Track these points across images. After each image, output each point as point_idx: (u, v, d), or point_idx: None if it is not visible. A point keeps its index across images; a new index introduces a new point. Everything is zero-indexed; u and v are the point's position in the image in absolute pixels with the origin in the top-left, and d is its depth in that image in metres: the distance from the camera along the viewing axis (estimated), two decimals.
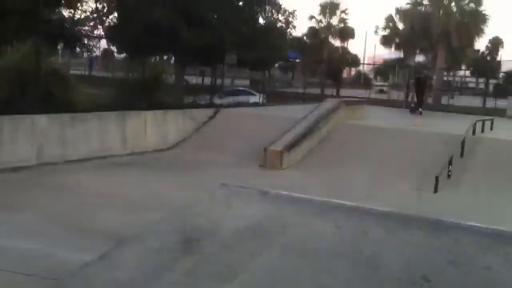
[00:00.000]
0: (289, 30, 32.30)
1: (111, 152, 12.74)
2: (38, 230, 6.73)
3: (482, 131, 14.23)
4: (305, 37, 49.65)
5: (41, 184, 9.48)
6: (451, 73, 47.28)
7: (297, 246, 3.85)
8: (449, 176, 11.47)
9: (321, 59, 44.40)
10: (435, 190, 10.79)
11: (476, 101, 28.82)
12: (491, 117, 16.09)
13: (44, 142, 11.39)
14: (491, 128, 15.06)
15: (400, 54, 44.58)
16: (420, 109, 20.97)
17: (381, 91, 39.72)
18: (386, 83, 40.10)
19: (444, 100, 33.80)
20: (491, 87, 42.93)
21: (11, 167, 10.29)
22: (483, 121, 14.68)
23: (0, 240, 5.76)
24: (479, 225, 4.38)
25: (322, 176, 11.68)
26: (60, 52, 32.73)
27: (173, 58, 29.05)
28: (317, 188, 10.01)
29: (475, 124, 13.76)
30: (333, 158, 13.02)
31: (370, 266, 3.58)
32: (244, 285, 3.27)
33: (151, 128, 14.28)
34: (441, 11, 36.82)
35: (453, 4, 37.00)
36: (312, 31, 49.07)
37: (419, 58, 45.22)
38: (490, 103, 25.69)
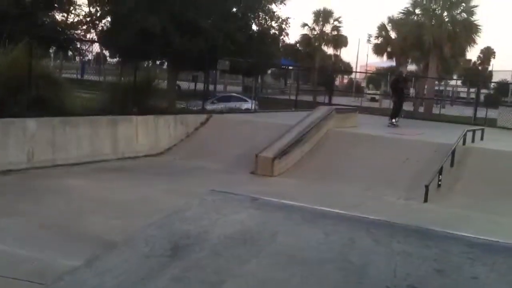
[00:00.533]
0: (282, 37, 32.49)
1: (102, 156, 12.72)
2: (25, 235, 6.69)
3: (473, 141, 14.31)
4: (298, 45, 49.95)
5: (31, 188, 9.45)
6: (443, 83, 47.61)
7: (286, 253, 3.86)
8: (439, 185, 11.51)
9: (314, 66, 44.60)
10: (425, 200, 10.83)
11: (467, 111, 29.00)
12: (482, 127, 16.19)
13: (34, 146, 11.35)
14: (482, 138, 15.15)
15: (392, 63, 44.92)
16: (393, 119, 18.05)
17: (373, 99, 39.95)
18: (378, 92, 40.29)
19: (435, 110, 34.06)
20: (482, 97, 43.29)
21: (0, 170, 10.26)
22: (474, 131, 14.76)
23: None
24: (467, 235, 4.41)
25: (313, 183, 11.72)
26: (52, 55, 32.67)
27: (166, 63, 29.07)
28: (308, 195, 10.04)
29: (465, 134, 13.83)
30: (324, 166, 13.06)
31: (358, 274, 3.59)
32: None
33: (142, 133, 14.26)
34: (433, 21, 37.11)
35: (445, 14, 37.32)
36: (305, 39, 49.40)
37: (411, 67, 45.56)
38: (481, 113, 25.88)
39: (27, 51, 12.17)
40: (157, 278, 3.30)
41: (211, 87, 30.86)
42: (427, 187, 10.90)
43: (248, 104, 26.48)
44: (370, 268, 3.66)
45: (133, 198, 9.23)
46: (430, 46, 36.22)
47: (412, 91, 37.65)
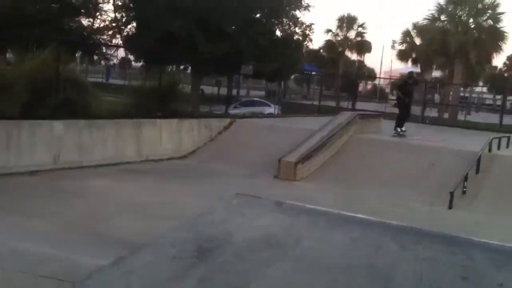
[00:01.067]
0: (305, 43, 32.45)
1: (126, 159, 12.84)
2: (52, 235, 6.78)
3: (498, 148, 14.13)
4: (321, 50, 49.85)
5: (57, 189, 9.58)
6: (468, 89, 47.06)
7: (311, 257, 3.86)
8: (464, 192, 11.38)
9: (337, 72, 44.50)
10: (450, 206, 10.73)
11: (493, 118, 28.60)
12: (508, 135, 15.96)
13: (61, 147, 11.52)
14: (507, 146, 14.95)
15: (417, 69, 44.57)
16: (399, 128, 16.23)
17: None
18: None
19: (460, 116, 33.67)
20: (508, 104, 42.65)
21: (28, 170, 10.44)
22: (500, 138, 14.58)
23: (16, 243, 5.83)
24: (492, 242, 4.37)
25: (336, 189, 11.67)
26: (78, 59, 33.16)
27: (190, 67, 29.27)
28: (330, 200, 10.01)
29: (491, 141, 13.67)
30: (347, 171, 13.01)
31: (384, 280, 3.58)
32: None
33: (166, 136, 14.37)
34: (458, 28, 36.75)
35: (471, 20, 36.93)
36: (329, 44, 49.27)
37: (436, 73, 45.14)
38: (507, 120, 25.49)
39: (55, 56, 12.39)
40: (183, 279, 3.32)
41: (234, 91, 30.99)
42: (452, 193, 10.79)
43: (271, 109, 26.51)
44: (396, 274, 3.64)
45: (157, 200, 9.30)
46: (456, 52, 35.86)
47: (437, 97, 37.28)
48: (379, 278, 3.62)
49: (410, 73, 18.33)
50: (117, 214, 8.20)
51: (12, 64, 14.06)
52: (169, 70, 26.03)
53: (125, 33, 30.22)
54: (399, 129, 16.15)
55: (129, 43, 28.31)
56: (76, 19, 26.18)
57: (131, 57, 34.54)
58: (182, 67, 29.97)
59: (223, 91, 30.80)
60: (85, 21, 28.07)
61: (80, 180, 10.48)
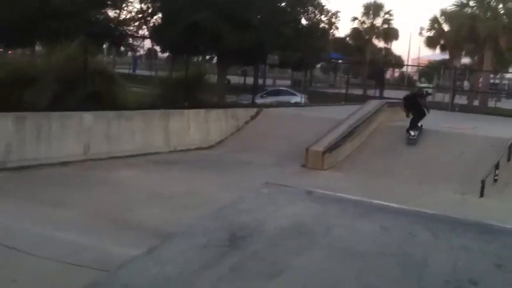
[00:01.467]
0: (331, 31, 32.23)
1: (154, 149, 12.96)
2: (84, 224, 6.89)
3: None
4: (347, 38, 49.41)
5: (87, 179, 9.72)
6: (498, 76, 46.11)
7: (343, 246, 3.84)
8: (495, 180, 11.21)
9: (364, 60, 44.10)
10: (481, 195, 10.56)
11: None
12: None
13: (90, 138, 11.68)
14: None
15: (445, 56, 43.84)
16: (412, 131, 13.98)
17: (426, 93, 39.00)
18: (430, 85, 39.38)
19: (490, 103, 33.07)
20: None
21: (59, 161, 10.61)
22: None
23: (50, 233, 5.94)
24: None
25: (364, 177, 11.59)
26: (105, 51, 33.50)
27: (216, 58, 29.33)
28: (360, 189, 9.93)
29: None
30: (375, 160, 12.90)
31: (417, 268, 3.55)
32: (289, 283, 3.28)
33: (193, 126, 14.45)
34: (488, 13, 36.01)
35: (500, 6, 36.13)
36: (355, 32, 48.79)
37: (465, 59, 44.37)
38: None
39: (82, 48, 12.52)
40: (216, 267, 3.34)
41: (260, 81, 30.93)
42: (483, 181, 10.63)
43: (298, 98, 26.39)
44: (430, 262, 3.61)
45: (185, 190, 9.36)
46: (485, 38, 35.16)
47: (466, 84, 36.65)
48: (412, 267, 3.59)
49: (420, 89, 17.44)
50: (146, 203, 8.29)
51: (41, 57, 14.29)
52: (195, 60, 26.11)
53: (151, 24, 30.43)
54: (411, 132, 13.94)
55: (155, 34, 28.47)
56: (103, 11, 26.39)
57: (157, 48, 34.71)
58: (208, 57, 30.04)
59: (249, 80, 30.82)
60: (111, 13, 28.32)
61: (110, 170, 10.62)
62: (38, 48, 23.43)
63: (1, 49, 23.82)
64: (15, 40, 22.21)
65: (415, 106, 14.49)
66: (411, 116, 14.32)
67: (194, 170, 11.51)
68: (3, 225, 6.09)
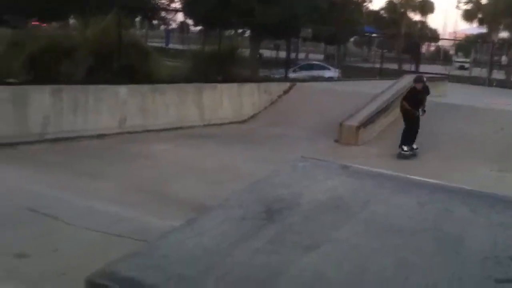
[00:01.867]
0: (365, 4, 31.70)
1: (188, 123, 13.05)
2: (120, 196, 7.02)
3: None
4: (382, 11, 48.54)
5: (123, 152, 9.87)
6: None
7: (379, 221, 3.82)
8: None
9: (399, 33, 43.30)
10: None
11: None
12: None
13: (125, 111, 11.82)
14: None
15: (483, 30, 42.75)
16: (405, 147, 11.55)
17: (462, 68, 38.26)
18: (467, 60, 38.48)
19: None
20: None
21: (95, 134, 10.79)
22: None
23: (87, 203, 6.07)
24: None
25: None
26: (138, 24, 33.59)
27: (248, 31, 29.18)
28: (394, 165, 9.88)
29: None
30: None
31: (454, 244, 3.51)
32: (326, 256, 3.29)
33: (227, 100, 14.48)
34: None
35: None
36: (390, 5, 47.89)
37: (504, 34, 43.18)
38: None
39: (116, 21, 12.58)
40: (252, 240, 3.37)
41: (293, 55, 30.71)
42: None
43: (331, 73, 26.16)
44: (468, 239, 3.56)
45: (219, 163, 9.44)
46: None
47: (504, 58, 35.73)
48: (449, 242, 3.55)
49: (418, 77, 12.83)
50: (181, 177, 8.39)
51: (76, 30, 14.42)
52: (228, 34, 26.01)
53: None
54: (404, 147, 11.58)
55: (187, 7, 28.39)
56: None
57: (190, 22, 34.68)
58: (240, 31, 29.90)
59: (282, 55, 30.62)
60: None
61: (145, 143, 10.76)
62: (72, 21, 23.63)
63: (37, 23, 24.10)
64: (49, 13, 22.43)
65: (418, 104, 11.81)
66: (420, 113, 11.74)
67: (227, 144, 11.57)
68: (42, 195, 6.23)
